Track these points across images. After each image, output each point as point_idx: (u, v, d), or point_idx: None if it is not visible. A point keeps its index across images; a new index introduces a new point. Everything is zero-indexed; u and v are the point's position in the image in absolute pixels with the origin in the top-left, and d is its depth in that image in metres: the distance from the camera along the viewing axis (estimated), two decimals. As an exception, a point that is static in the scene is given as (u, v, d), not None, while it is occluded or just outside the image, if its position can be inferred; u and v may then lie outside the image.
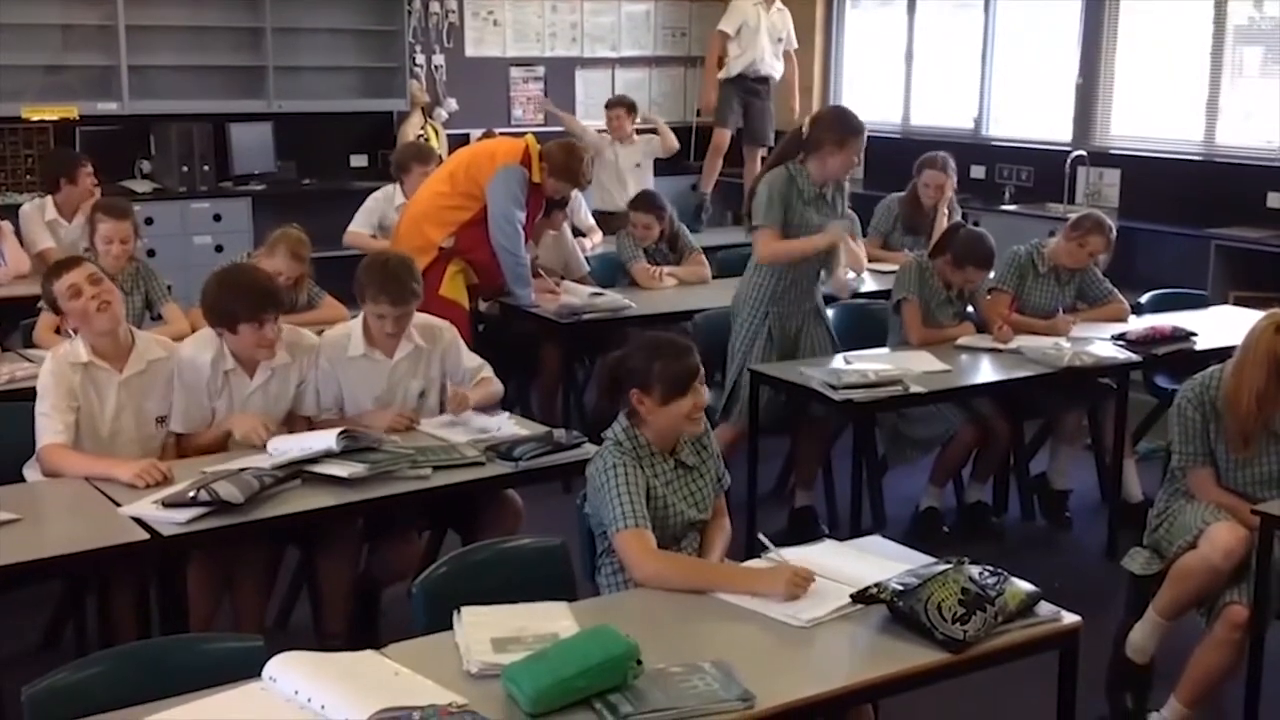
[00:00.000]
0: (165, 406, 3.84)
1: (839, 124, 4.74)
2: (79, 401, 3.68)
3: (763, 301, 4.90)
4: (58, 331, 4.45)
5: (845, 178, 4.91)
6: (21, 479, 3.68)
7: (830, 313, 5.20)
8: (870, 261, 6.14)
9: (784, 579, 2.81)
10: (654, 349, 3.14)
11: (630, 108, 7.88)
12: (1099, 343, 5.09)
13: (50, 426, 3.62)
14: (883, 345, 5.24)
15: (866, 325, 5.46)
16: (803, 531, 4.92)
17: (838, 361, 4.75)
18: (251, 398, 3.91)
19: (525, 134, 6.00)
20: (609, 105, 7.99)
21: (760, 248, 4.79)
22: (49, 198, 6.08)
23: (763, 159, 7.00)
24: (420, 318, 4.16)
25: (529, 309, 5.71)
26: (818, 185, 4.78)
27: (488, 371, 4.26)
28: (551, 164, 5.66)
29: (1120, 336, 5.10)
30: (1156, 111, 7.72)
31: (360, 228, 6.43)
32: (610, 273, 6.46)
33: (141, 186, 7.80)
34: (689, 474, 3.22)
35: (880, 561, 2.98)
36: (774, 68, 8.34)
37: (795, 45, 8.52)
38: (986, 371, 4.89)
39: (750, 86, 8.26)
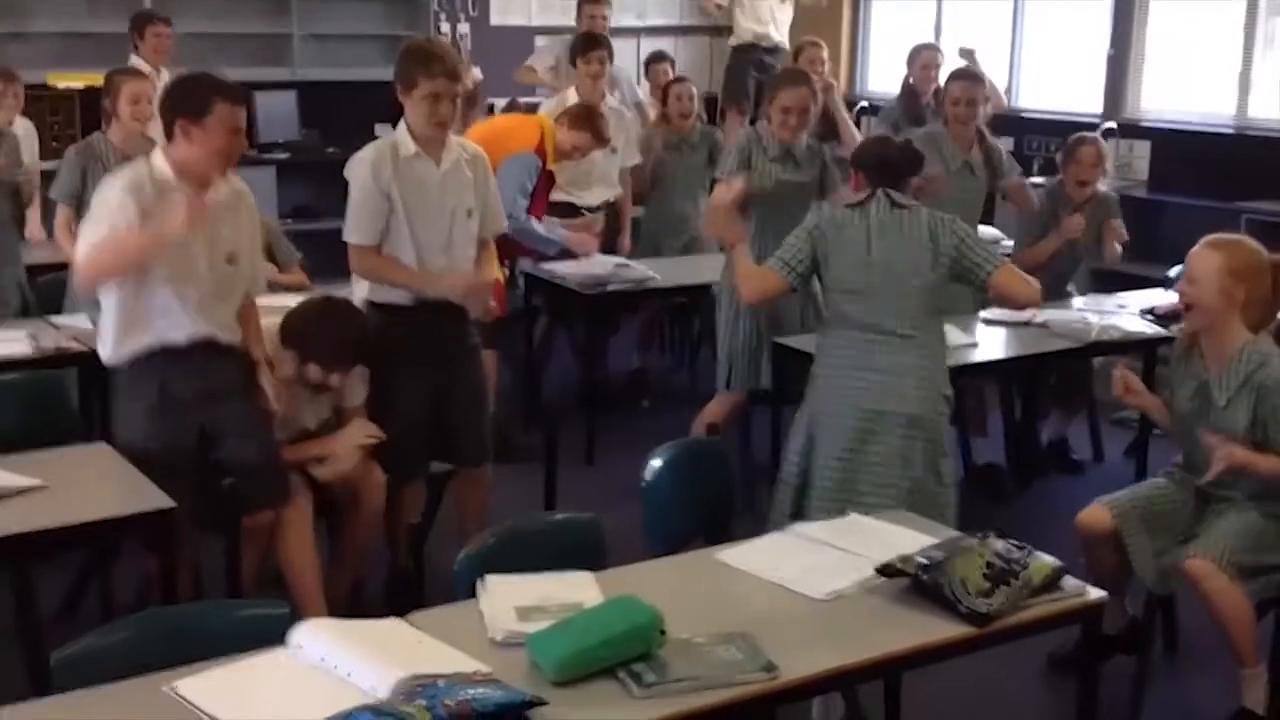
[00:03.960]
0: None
1: (775, 78, 4.97)
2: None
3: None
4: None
5: (792, 136, 4.82)
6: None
7: None
8: None
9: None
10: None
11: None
12: (1126, 316, 5.06)
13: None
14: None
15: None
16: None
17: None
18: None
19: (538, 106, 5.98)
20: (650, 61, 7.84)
21: (714, 194, 4.86)
22: None
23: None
24: (458, 138, 4.10)
25: (554, 280, 5.69)
26: (780, 142, 4.81)
27: (501, 226, 4.24)
28: (571, 121, 5.55)
29: (1149, 310, 5.08)
30: (1188, 84, 7.65)
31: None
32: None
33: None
34: None
35: (905, 534, 2.97)
36: (779, 34, 8.20)
37: None
38: (1013, 345, 4.86)
39: (762, 61, 8.10)
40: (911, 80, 6.79)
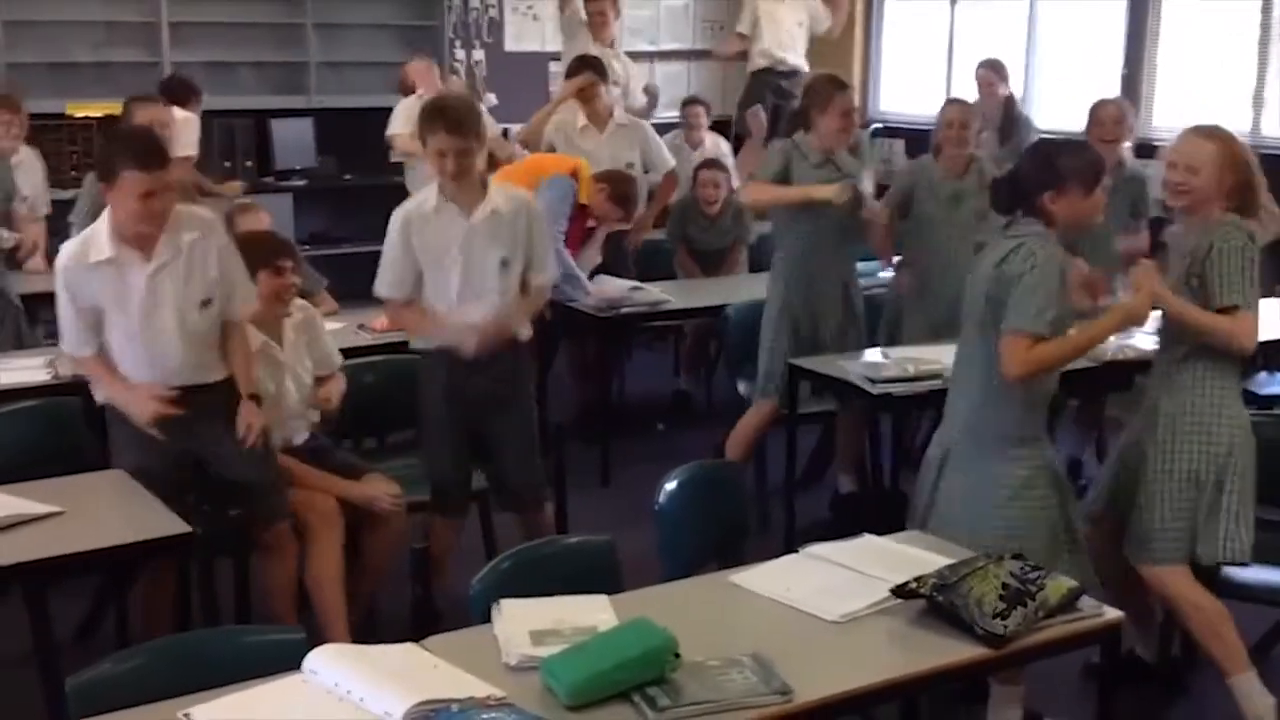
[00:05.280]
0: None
1: (821, 87, 4.83)
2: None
3: (781, 286, 4.89)
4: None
5: (845, 141, 4.85)
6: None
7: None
8: None
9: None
10: None
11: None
12: (1141, 335, 5.03)
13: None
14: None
15: (876, 315, 5.43)
16: (843, 520, 4.88)
17: (875, 354, 4.72)
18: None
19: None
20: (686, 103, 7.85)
21: (748, 189, 4.83)
22: None
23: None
24: (505, 185, 4.09)
25: (567, 303, 5.70)
26: (821, 153, 4.79)
27: (545, 278, 4.16)
28: (613, 191, 5.66)
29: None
30: (1202, 102, 7.63)
31: (402, 129, 6.67)
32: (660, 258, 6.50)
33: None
34: None
35: (919, 555, 2.96)
36: (797, 58, 8.16)
37: (826, 24, 8.27)
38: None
39: (779, 86, 8.07)
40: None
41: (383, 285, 4.02)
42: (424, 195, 3.99)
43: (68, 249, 3.62)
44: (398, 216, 3.98)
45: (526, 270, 4.04)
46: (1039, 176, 3.34)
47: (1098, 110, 5.44)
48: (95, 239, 3.55)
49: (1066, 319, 3.35)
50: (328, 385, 4.11)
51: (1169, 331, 3.63)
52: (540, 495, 4.22)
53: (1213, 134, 3.62)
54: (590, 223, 5.76)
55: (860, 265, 5.96)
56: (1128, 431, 3.79)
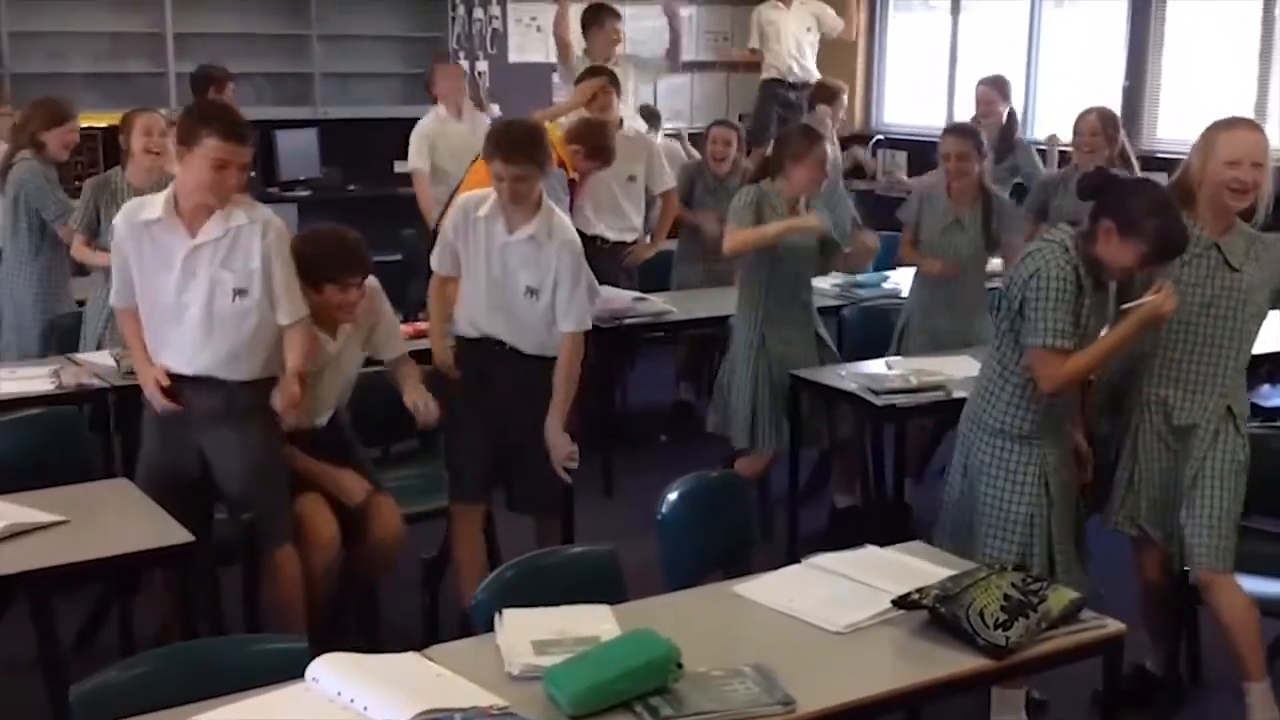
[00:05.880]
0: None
1: (795, 140, 4.83)
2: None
3: (755, 324, 4.84)
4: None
5: (816, 190, 4.87)
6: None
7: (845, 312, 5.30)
8: None
9: None
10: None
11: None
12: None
13: None
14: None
15: (877, 327, 5.44)
16: (844, 534, 4.89)
17: (878, 365, 4.73)
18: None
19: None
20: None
21: (727, 236, 4.79)
22: None
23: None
24: (556, 215, 4.01)
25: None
26: (789, 203, 4.77)
27: (572, 326, 3.98)
28: (585, 146, 5.58)
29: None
30: (1204, 114, 7.61)
31: (417, 162, 6.63)
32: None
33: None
34: None
35: (922, 566, 2.97)
36: (810, 71, 8.21)
37: (840, 26, 8.31)
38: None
39: (787, 98, 8.12)
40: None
41: (432, 258, 4.17)
42: (484, 195, 4.01)
43: (125, 208, 3.67)
44: (458, 202, 4.14)
45: (556, 312, 3.97)
46: (1115, 205, 3.30)
47: (1078, 122, 5.54)
48: (152, 200, 3.60)
49: (1097, 322, 3.43)
50: (411, 392, 3.98)
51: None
52: (561, 500, 4.17)
53: (1257, 125, 3.62)
54: (572, 175, 5.68)
55: (862, 277, 5.99)
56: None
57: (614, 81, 6.25)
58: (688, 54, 9.52)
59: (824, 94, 7.23)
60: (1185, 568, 3.60)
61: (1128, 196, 3.32)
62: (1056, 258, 3.33)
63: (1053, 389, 3.36)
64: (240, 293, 3.57)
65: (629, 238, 6.33)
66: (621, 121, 6.36)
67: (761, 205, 4.76)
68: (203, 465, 3.67)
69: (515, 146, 3.86)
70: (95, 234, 4.99)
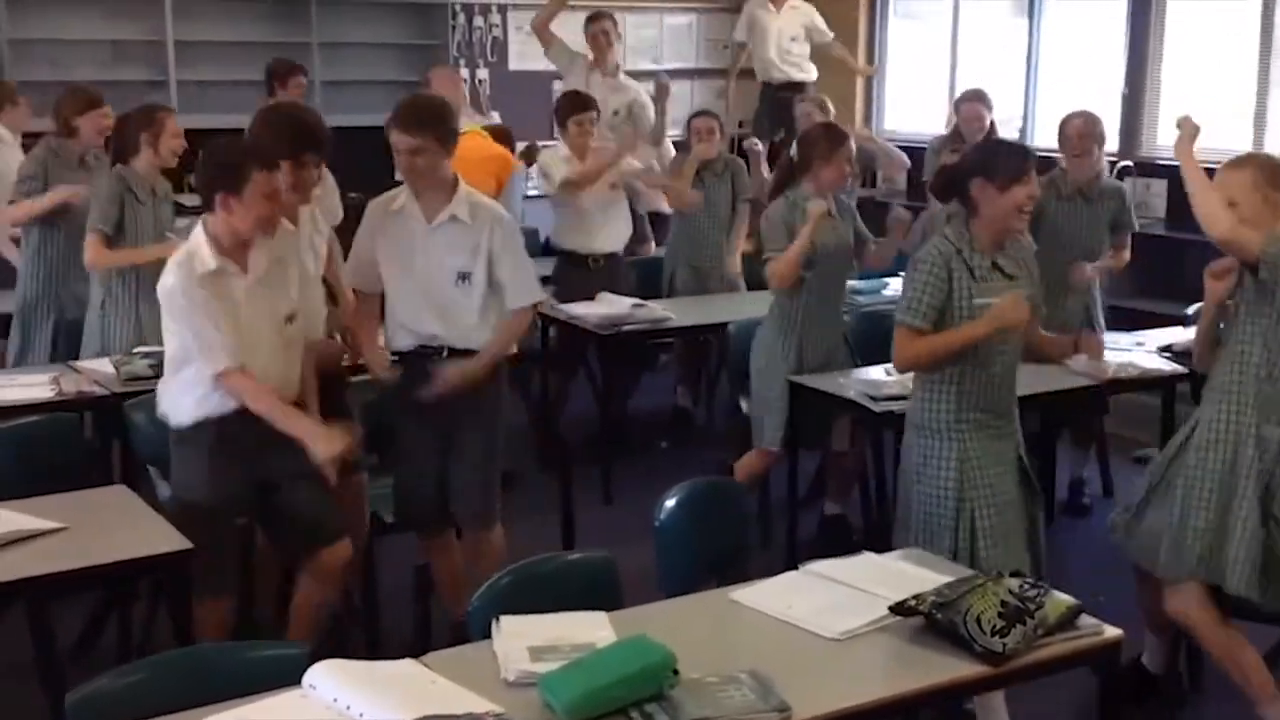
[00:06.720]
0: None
1: (821, 138, 4.85)
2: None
3: (794, 328, 4.85)
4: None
5: (842, 186, 4.94)
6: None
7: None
8: None
9: None
10: None
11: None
12: (1144, 354, 5.04)
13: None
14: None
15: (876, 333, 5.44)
16: (833, 541, 4.89)
17: (877, 372, 4.73)
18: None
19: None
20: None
21: (772, 272, 4.78)
22: None
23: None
24: (476, 195, 3.94)
25: (570, 320, 5.72)
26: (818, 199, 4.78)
27: (527, 299, 3.95)
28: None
29: (1167, 348, 5.06)
30: (1203, 121, 7.62)
31: None
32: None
33: (190, 200, 7.87)
34: None
35: (919, 573, 2.97)
36: (797, 72, 8.22)
37: (828, 37, 8.35)
38: (1030, 382, 4.82)
39: (778, 98, 8.13)
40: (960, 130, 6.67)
41: (346, 274, 4.10)
42: (394, 194, 3.97)
43: (176, 268, 3.46)
44: (369, 206, 4.03)
45: (501, 291, 3.91)
46: (968, 168, 3.51)
47: (1063, 126, 5.51)
48: (197, 252, 3.45)
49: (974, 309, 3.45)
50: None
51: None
52: (482, 516, 4.02)
53: (1244, 161, 3.84)
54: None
55: (863, 283, 5.99)
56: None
57: (589, 106, 6.27)
58: (688, 62, 9.57)
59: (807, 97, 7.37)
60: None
61: (968, 156, 3.59)
62: (937, 244, 3.47)
63: (900, 367, 3.55)
64: (290, 318, 3.64)
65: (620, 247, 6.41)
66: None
67: (792, 219, 4.78)
68: (257, 494, 3.60)
69: (412, 117, 3.83)
70: (120, 230, 4.88)
